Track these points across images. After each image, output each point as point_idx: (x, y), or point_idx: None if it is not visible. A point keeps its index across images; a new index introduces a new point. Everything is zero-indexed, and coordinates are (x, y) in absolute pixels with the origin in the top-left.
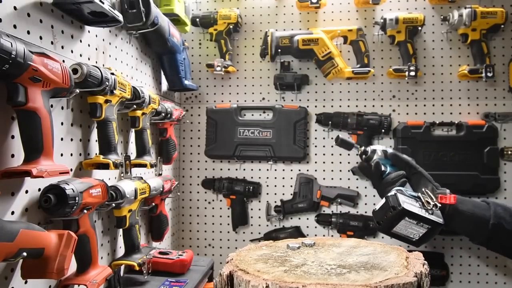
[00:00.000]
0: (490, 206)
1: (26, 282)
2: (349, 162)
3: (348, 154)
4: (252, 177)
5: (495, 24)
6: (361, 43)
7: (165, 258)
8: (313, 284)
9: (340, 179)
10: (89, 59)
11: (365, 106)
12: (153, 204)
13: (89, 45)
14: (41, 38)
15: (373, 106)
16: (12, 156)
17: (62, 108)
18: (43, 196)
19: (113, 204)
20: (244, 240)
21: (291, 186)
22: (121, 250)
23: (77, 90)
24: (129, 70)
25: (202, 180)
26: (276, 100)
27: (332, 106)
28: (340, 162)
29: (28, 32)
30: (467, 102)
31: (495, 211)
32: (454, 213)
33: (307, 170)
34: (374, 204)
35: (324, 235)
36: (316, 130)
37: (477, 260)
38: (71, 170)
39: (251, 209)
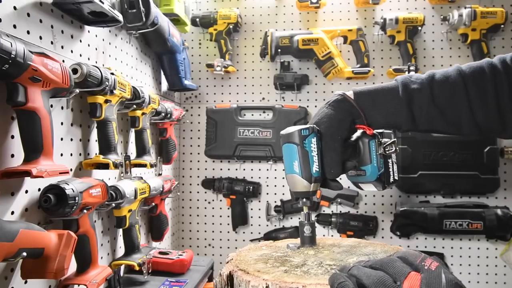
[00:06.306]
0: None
1: (26, 282)
2: None
3: None
4: (252, 177)
5: (495, 24)
6: (361, 43)
7: (165, 258)
8: (313, 284)
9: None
10: (89, 59)
11: None
12: (153, 204)
13: (89, 45)
14: (41, 38)
15: None
16: (12, 156)
17: (62, 108)
18: (43, 196)
19: (113, 204)
20: (244, 240)
21: None
22: (121, 250)
23: (77, 90)
24: (129, 70)
25: (202, 180)
26: (276, 100)
27: None
28: None
29: (28, 32)
30: None
31: (402, 79)
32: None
33: None
34: (374, 204)
35: (324, 235)
36: None
37: (477, 260)
38: (71, 170)
39: (251, 209)
